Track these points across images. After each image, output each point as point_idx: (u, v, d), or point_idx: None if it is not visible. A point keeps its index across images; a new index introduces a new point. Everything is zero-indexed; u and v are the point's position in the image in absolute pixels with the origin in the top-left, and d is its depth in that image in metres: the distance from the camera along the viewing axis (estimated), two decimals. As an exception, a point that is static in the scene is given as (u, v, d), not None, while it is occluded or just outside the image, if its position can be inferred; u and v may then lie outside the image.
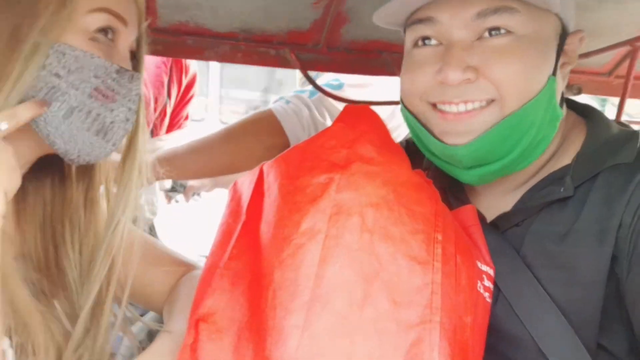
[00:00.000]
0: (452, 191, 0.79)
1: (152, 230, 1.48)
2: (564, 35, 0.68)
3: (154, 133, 1.47)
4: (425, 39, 0.68)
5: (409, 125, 0.75)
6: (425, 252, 0.55)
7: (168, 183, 1.60)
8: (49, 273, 0.67)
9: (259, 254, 0.55)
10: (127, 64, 0.65)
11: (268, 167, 0.61)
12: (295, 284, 0.51)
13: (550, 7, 0.64)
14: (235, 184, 0.66)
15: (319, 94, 1.23)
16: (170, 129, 1.53)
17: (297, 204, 0.55)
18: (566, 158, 0.70)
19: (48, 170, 0.69)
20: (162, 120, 1.48)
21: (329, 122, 1.24)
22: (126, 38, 0.64)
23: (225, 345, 0.52)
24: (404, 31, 0.74)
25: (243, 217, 0.59)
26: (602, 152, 0.67)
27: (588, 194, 0.65)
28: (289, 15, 1.01)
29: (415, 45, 0.70)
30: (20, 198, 0.67)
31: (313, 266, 0.51)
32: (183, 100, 1.52)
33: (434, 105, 0.68)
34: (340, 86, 1.25)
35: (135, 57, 0.69)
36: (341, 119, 0.64)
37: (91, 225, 0.70)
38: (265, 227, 0.56)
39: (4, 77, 0.54)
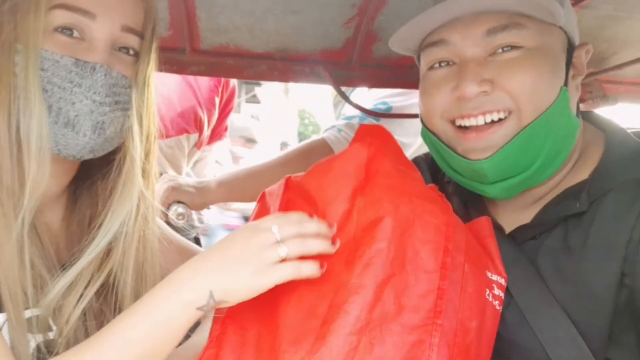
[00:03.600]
0: (473, 204, 0.82)
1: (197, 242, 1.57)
2: (570, 49, 0.71)
3: (198, 145, 1.56)
4: (440, 62, 0.72)
5: (431, 145, 0.78)
6: (434, 261, 0.59)
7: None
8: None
9: None
10: (100, 57, 0.65)
11: (294, 181, 0.68)
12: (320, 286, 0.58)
13: (555, 21, 0.67)
14: (263, 194, 0.72)
15: (368, 121, 1.26)
16: (211, 140, 1.62)
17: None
18: (583, 172, 0.71)
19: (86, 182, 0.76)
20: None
21: None
22: (99, 32, 0.65)
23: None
24: (417, 57, 0.78)
25: None
26: (617, 168, 0.68)
27: (598, 209, 0.66)
28: (321, 35, 1.07)
29: (431, 68, 0.73)
30: (68, 206, 0.76)
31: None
32: (223, 112, 1.61)
33: (454, 124, 0.71)
34: (388, 109, 1.29)
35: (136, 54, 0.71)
36: (357, 138, 0.69)
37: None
38: None
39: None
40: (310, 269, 0.58)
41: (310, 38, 1.08)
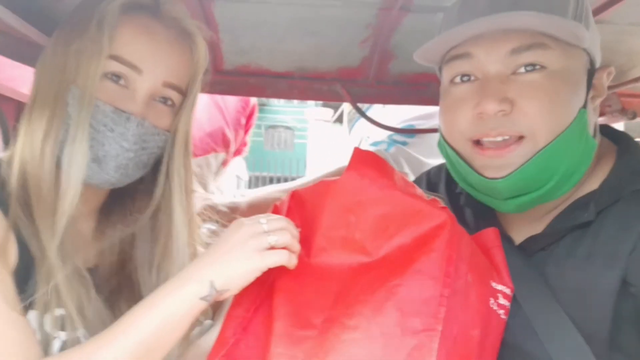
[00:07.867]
0: (484, 215, 0.83)
1: None
2: (592, 70, 0.71)
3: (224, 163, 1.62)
4: (462, 75, 0.73)
5: (447, 158, 0.79)
6: (438, 269, 0.61)
7: None
8: (120, 279, 0.81)
9: None
10: (137, 108, 0.71)
11: (298, 196, 0.72)
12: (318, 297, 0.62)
13: (580, 43, 0.68)
14: (275, 206, 0.75)
15: (396, 147, 1.30)
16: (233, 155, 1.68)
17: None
18: (594, 183, 0.72)
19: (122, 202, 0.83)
20: None
21: (406, 171, 1.31)
22: (142, 85, 0.72)
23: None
24: (440, 69, 0.79)
25: None
26: (626, 180, 0.69)
27: (605, 219, 0.67)
28: (339, 54, 1.11)
29: (452, 82, 0.74)
30: (103, 222, 0.82)
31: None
32: (244, 129, 1.67)
33: (473, 142, 0.72)
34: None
35: (176, 103, 0.77)
36: (351, 166, 0.70)
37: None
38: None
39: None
40: (295, 259, 0.64)
41: (327, 57, 1.11)
